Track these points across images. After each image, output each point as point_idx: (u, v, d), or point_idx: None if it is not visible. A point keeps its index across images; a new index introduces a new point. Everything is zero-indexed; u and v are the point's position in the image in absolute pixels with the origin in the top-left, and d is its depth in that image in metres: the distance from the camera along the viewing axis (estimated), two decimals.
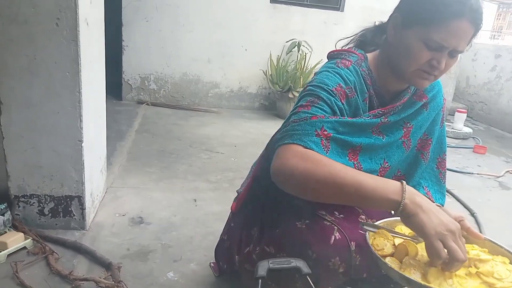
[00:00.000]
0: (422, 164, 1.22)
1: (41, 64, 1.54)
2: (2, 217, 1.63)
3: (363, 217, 1.15)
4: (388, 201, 0.87)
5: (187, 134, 3.49)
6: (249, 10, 4.47)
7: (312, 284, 0.88)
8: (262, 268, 0.89)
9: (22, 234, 1.61)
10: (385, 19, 1.11)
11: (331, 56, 1.16)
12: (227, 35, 4.47)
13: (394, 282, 0.98)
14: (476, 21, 0.96)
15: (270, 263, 0.90)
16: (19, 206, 1.71)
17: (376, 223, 1.01)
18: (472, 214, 2.43)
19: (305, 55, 4.50)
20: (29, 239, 1.61)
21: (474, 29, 0.97)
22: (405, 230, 1.00)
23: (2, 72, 1.52)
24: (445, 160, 1.29)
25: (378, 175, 1.11)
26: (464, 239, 0.87)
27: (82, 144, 1.66)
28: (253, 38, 4.56)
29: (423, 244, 0.87)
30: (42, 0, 1.47)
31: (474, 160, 3.65)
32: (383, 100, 1.12)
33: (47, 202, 1.72)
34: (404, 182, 0.89)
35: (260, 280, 0.87)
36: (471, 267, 0.92)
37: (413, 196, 0.87)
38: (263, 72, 4.61)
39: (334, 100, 1.01)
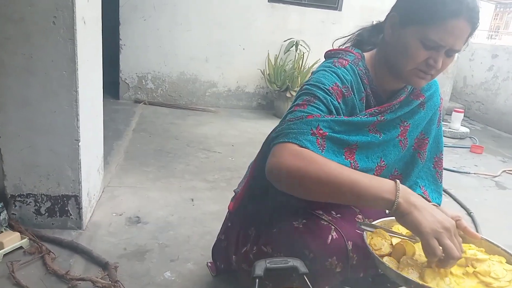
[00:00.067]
0: (419, 163, 1.23)
1: (38, 62, 1.53)
2: None
3: (360, 216, 1.15)
4: (382, 200, 0.87)
5: (184, 133, 3.48)
6: (247, 9, 4.46)
7: (309, 284, 0.88)
8: (259, 267, 0.89)
9: (19, 233, 1.61)
10: (383, 18, 1.11)
11: (328, 55, 1.16)
12: (224, 34, 4.46)
13: (391, 281, 0.99)
14: (473, 20, 0.96)
15: (267, 263, 0.90)
16: (15, 206, 1.70)
17: (373, 223, 1.01)
18: (469, 213, 2.44)
19: (303, 55, 4.50)
20: (26, 239, 1.61)
21: (471, 28, 0.97)
22: (403, 229, 1.00)
23: None
24: (442, 159, 1.29)
25: (374, 173, 1.11)
26: (460, 237, 0.87)
27: (79, 143, 1.65)
28: (251, 37, 4.55)
29: (420, 244, 0.87)
30: None
31: (471, 159, 3.66)
32: (380, 99, 1.12)
33: (43, 202, 1.72)
34: (398, 181, 0.89)
35: (257, 280, 0.87)
36: (468, 266, 0.92)
37: (407, 195, 0.87)
38: (261, 72, 4.61)
39: (330, 99, 1.01)
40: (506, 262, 0.93)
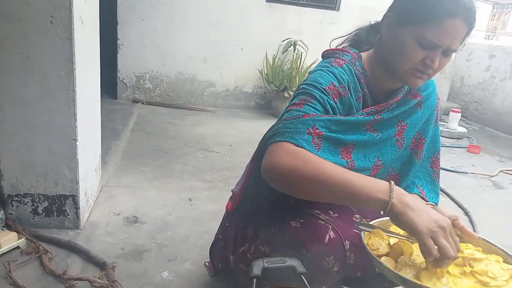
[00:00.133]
0: (416, 163, 1.23)
1: (35, 62, 1.53)
2: None
3: (357, 216, 1.15)
4: (376, 201, 0.87)
5: (182, 133, 3.48)
6: (245, 9, 4.46)
7: (307, 283, 0.88)
8: (257, 267, 0.89)
9: (16, 233, 1.60)
10: (380, 18, 1.12)
11: (326, 55, 1.16)
12: (223, 34, 4.46)
13: (388, 281, 0.99)
14: (469, 20, 0.96)
15: (265, 262, 0.90)
16: (12, 205, 1.70)
17: (371, 223, 1.01)
18: (466, 213, 2.45)
19: (301, 55, 4.50)
20: (23, 239, 1.60)
21: (467, 28, 0.97)
22: (400, 230, 1.00)
23: None
24: (439, 159, 1.29)
25: (371, 173, 1.11)
26: (457, 236, 0.87)
27: (77, 143, 1.65)
28: (249, 37, 4.55)
29: (418, 244, 0.88)
30: None
31: (468, 159, 3.67)
32: (377, 99, 1.12)
33: (41, 201, 1.71)
34: (392, 182, 0.89)
35: (254, 280, 0.87)
36: (466, 266, 0.92)
37: (401, 195, 0.87)
38: (259, 71, 4.61)
39: (326, 99, 1.01)
40: (503, 262, 0.93)
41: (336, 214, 1.11)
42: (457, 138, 4.35)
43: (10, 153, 1.62)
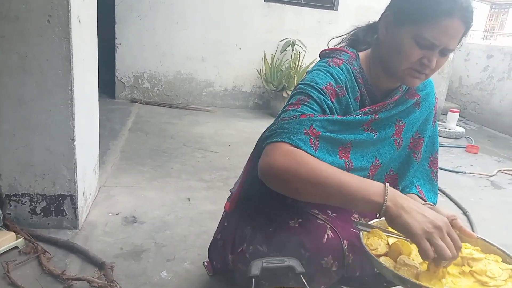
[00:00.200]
0: (414, 163, 1.23)
1: (33, 61, 1.52)
2: None
3: (356, 216, 1.16)
4: (370, 203, 0.86)
5: (180, 133, 3.47)
6: (244, 9, 4.46)
7: (305, 283, 0.88)
8: (256, 267, 0.89)
9: (14, 233, 1.60)
10: (378, 18, 1.12)
11: (323, 54, 1.16)
12: (221, 33, 4.46)
13: (387, 281, 0.99)
14: (466, 20, 0.96)
15: (264, 262, 0.90)
16: (10, 205, 1.69)
17: (369, 223, 1.01)
18: (465, 213, 2.45)
19: (299, 54, 4.50)
20: (21, 239, 1.60)
21: (464, 28, 0.97)
22: None
23: None
24: (437, 159, 1.29)
25: (369, 173, 1.11)
26: (455, 234, 0.86)
27: (75, 143, 1.65)
28: (247, 36, 4.55)
29: None
30: None
31: (467, 159, 3.68)
32: (375, 99, 1.12)
33: (39, 201, 1.71)
34: (387, 184, 0.88)
35: (253, 279, 0.87)
36: (465, 265, 0.92)
37: (396, 198, 0.86)
38: (257, 71, 4.61)
39: (324, 99, 1.01)
40: (502, 261, 0.93)
41: (334, 214, 1.11)
42: (455, 138, 4.36)
43: (8, 153, 1.62)
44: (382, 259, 0.91)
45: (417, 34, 0.96)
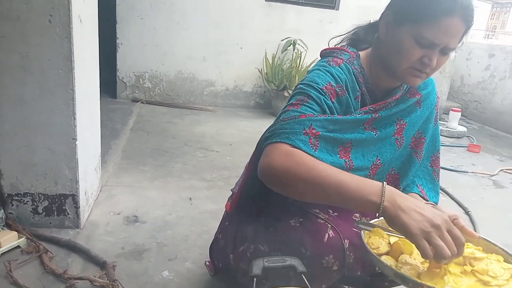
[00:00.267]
0: (416, 162, 1.23)
1: (34, 61, 1.52)
2: None
3: (357, 215, 1.15)
4: (368, 203, 0.86)
5: (182, 132, 3.48)
6: (245, 8, 4.46)
7: (307, 283, 0.88)
8: (257, 266, 0.89)
9: (16, 232, 1.60)
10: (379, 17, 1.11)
11: (324, 54, 1.16)
12: (222, 33, 4.46)
13: (388, 280, 0.98)
14: (467, 18, 0.96)
15: (265, 262, 0.90)
16: (12, 205, 1.70)
17: (371, 222, 1.01)
18: (467, 212, 2.45)
19: (300, 54, 4.50)
20: (23, 238, 1.60)
21: (465, 26, 0.97)
22: None
23: None
24: (439, 158, 1.29)
25: (369, 172, 1.11)
26: (457, 230, 0.84)
27: (76, 142, 1.65)
28: (248, 36, 4.55)
29: None
30: None
31: (469, 158, 3.67)
32: (375, 98, 1.12)
33: (41, 201, 1.71)
34: (385, 183, 0.88)
35: (255, 279, 0.87)
36: (466, 265, 0.92)
37: (394, 197, 0.85)
38: (259, 71, 4.60)
39: (323, 99, 1.01)
40: (504, 261, 0.93)
41: (335, 213, 1.11)
42: (457, 137, 4.35)
43: (9, 153, 1.62)
44: (383, 258, 0.91)
45: (417, 34, 0.96)
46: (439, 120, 1.29)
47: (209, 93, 4.65)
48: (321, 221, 1.05)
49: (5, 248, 1.53)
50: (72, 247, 1.62)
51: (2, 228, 1.63)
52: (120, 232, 1.80)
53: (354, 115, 1.06)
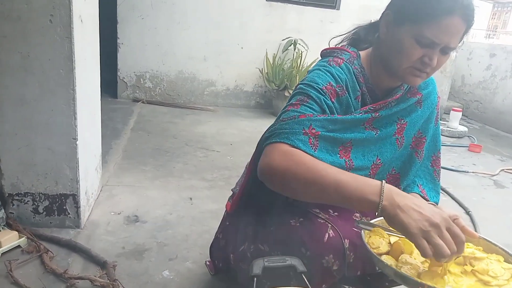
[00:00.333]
0: (416, 162, 1.22)
1: (35, 61, 1.52)
2: None
3: (357, 215, 1.15)
4: (367, 202, 0.86)
5: (182, 132, 3.48)
6: (245, 8, 4.46)
7: (307, 283, 0.88)
8: (257, 266, 0.89)
9: (16, 232, 1.60)
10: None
11: (324, 54, 1.16)
12: (223, 33, 4.46)
13: (389, 280, 0.98)
14: (467, 17, 0.96)
15: (265, 261, 0.90)
16: (13, 205, 1.70)
17: (371, 221, 1.01)
18: (467, 212, 2.44)
19: (301, 54, 4.50)
20: (24, 238, 1.60)
21: (465, 26, 0.97)
22: None
23: None
24: (440, 158, 1.29)
25: (370, 172, 1.11)
26: (457, 227, 0.83)
27: (77, 142, 1.65)
28: (249, 36, 4.55)
29: None
30: None
31: (470, 158, 3.67)
32: (376, 98, 1.12)
33: (41, 200, 1.71)
34: (383, 181, 0.87)
35: (255, 279, 0.87)
36: (467, 265, 0.92)
37: (392, 196, 0.85)
38: (259, 70, 4.60)
39: (323, 99, 1.01)
40: (504, 261, 0.93)
41: (336, 213, 1.11)
42: (458, 137, 4.35)
43: (10, 153, 1.62)
44: (383, 258, 0.91)
45: (417, 33, 0.96)
46: (440, 120, 1.28)
47: (210, 93, 4.65)
48: (321, 221, 1.05)
49: (5, 247, 1.53)
50: (72, 247, 1.62)
51: (2, 228, 1.63)
52: (121, 232, 1.80)
53: (354, 114, 1.05)
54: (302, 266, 0.91)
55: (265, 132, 1.06)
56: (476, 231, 2.09)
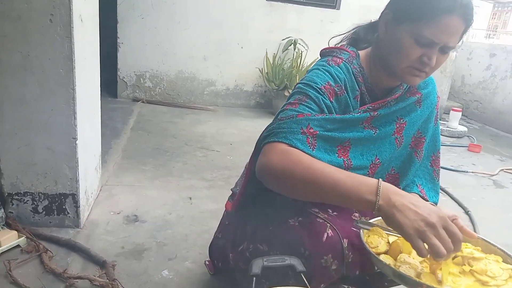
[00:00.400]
0: (415, 162, 1.23)
1: (35, 61, 1.52)
2: None
3: (356, 214, 1.15)
4: (364, 201, 0.85)
5: (182, 132, 3.48)
6: (245, 8, 4.46)
7: (306, 282, 0.88)
8: (257, 266, 0.90)
9: (16, 232, 1.60)
10: None
11: (323, 53, 1.16)
12: (223, 32, 4.46)
13: (388, 279, 0.98)
14: (466, 17, 0.96)
15: (265, 261, 0.90)
16: (12, 204, 1.70)
17: (370, 221, 1.01)
18: (467, 212, 2.44)
19: (301, 53, 4.50)
20: (23, 237, 1.60)
21: (465, 25, 0.97)
22: None
23: None
24: (439, 158, 1.29)
25: (368, 171, 1.11)
26: (454, 226, 0.82)
27: (76, 142, 1.65)
28: (249, 35, 4.55)
29: None
30: None
31: (469, 158, 3.67)
32: (375, 97, 1.12)
33: (41, 200, 1.71)
34: (380, 180, 0.87)
35: (254, 278, 0.87)
36: (465, 265, 0.92)
37: (389, 195, 0.84)
38: (259, 70, 4.61)
39: (322, 98, 1.01)
40: (503, 261, 0.93)
41: (335, 213, 1.11)
42: (458, 137, 4.35)
43: (10, 152, 1.62)
44: (382, 257, 0.91)
45: (416, 32, 0.96)
46: (440, 119, 1.28)
47: (210, 92, 4.65)
48: (320, 221, 1.05)
49: (5, 247, 1.54)
50: (72, 247, 1.62)
51: (2, 227, 1.63)
52: (120, 232, 1.80)
53: (353, 113, 1.06)
54: (301, 265, 0.91)
55: (263, 131, 1.06)
56: (475, 231, 2.09)
